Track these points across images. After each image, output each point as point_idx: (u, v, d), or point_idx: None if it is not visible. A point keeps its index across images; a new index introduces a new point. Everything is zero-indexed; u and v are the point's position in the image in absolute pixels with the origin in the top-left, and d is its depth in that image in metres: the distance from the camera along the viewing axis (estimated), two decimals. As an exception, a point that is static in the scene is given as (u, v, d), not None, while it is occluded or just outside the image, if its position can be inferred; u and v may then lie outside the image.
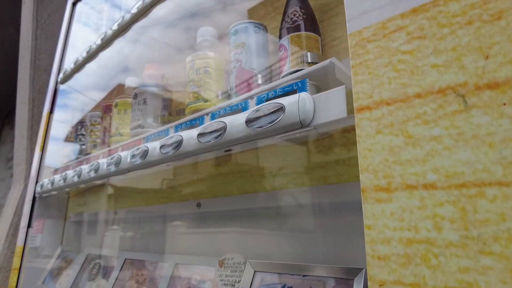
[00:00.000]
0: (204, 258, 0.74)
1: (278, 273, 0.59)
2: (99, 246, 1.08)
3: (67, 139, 1.27)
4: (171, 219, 0.89)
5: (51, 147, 1.34)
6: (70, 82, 1.46)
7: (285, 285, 0.57)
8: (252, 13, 0.91)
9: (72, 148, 1.37)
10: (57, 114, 1.49)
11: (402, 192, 0.36)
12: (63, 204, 1.32)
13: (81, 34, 1.52)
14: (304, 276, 0.56)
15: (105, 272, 0.93)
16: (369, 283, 0.36)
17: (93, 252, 1.06)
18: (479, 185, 0.32)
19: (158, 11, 0.98)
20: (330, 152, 0.63)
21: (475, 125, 0.33)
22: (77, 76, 1.40)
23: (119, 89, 1.55)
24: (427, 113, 0.36)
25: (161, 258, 0.83)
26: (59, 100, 1.52)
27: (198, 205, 0.80)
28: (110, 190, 1.13)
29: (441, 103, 0.35)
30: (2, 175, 3.29)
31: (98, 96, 1.56)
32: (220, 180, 0.78)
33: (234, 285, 0.63)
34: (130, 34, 1.07)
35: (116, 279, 0.87)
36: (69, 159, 1.28)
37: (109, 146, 0.95)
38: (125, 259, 0.90)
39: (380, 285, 0.36)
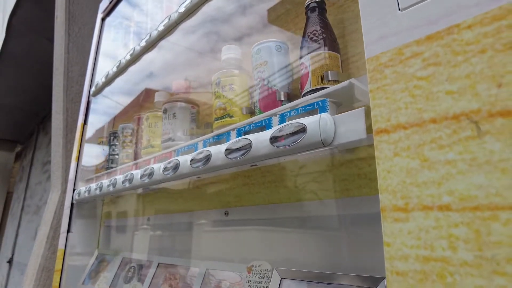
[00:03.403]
0: (233, 264, 0.78)
1: (303, 281, 0.63)
2: (134, 250, 1.15)
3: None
4: (201, 226, 0.94)
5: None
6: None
7: (310, 292, 0.60)
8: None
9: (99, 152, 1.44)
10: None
11: (418, 212, 0.39)
12: (99, 209, 1.41)
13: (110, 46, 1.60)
14: (328, 284, 0.59)
15: (140, 275, 1.00)
16: (389, 297, 0.39)
17: (128, 255, 1.13)
18: (492, 209, 0.34)
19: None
20: (352, 165, 0.65)
21: (488, 151, 0.35)
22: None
23: (146, 94, 1.63)
24: (442, 138, 0.38)
25: (192, 263, 0.88)
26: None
27: (226, 213, 0.85)
28: (143, 197, 1.19)
29: (455, 128, 0.37)
30: (38, 178, 3.48)
31: (123, 100, 1.63)
32: (247, 190, 0.82)
33: (262, 291, 0.67)
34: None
35: (151, 282, 0.93)
36: (99, 163, 1.36)
37: (141, 157, 1.01)
38: (159, 263, 0.96)
39: (399, 299, 0.38)
